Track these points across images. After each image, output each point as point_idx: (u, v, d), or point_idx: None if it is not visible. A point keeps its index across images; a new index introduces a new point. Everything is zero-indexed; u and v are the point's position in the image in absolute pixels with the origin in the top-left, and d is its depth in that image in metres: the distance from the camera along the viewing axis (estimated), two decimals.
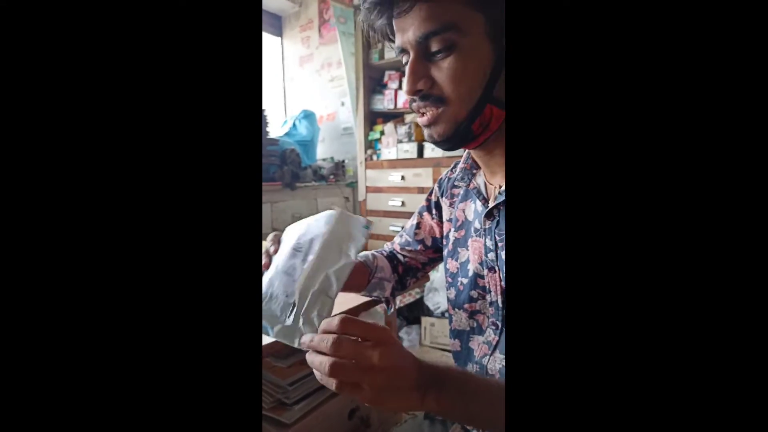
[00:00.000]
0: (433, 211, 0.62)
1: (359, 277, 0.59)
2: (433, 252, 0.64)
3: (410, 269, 0.66)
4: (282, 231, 0.49)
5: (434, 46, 0.39)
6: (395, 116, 2.01)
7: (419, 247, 0.64)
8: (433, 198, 0.62)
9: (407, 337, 1.69)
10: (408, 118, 1.94)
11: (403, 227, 0.68)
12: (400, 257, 0.66)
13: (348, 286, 0.56)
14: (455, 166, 0.58)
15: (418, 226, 0.64)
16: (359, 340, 0.32)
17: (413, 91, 0.41)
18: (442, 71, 0.39)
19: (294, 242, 0.43)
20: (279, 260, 0.43)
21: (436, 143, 0.43)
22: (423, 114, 0.43)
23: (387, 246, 0.69)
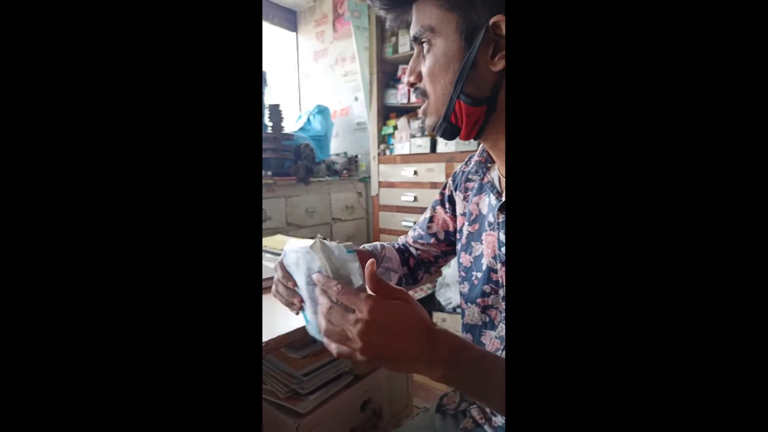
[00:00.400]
0: (447, 205, 0.62)
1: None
2: (445, 245, 0.64)
3: (422, 262, 0.66)
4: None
5: (422, 44, 0.44)
6: (408, 111, 2.00)
7: (432, 240, 0.64)
8: (447, 192, 0.63)
9: None
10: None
11: (415, 222, 0.68)
12: (413, 250, 0.67)
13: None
14: (470, 160, 0.58)
15: (431, 219, 0.65)
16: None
17: (408, 84, 0.47)
18: (424, 68, 0.44)
19: (305, 276, 0.43)
20: (307, 295, 0.44)
21: (431, 132, 0.48)
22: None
23: (401, 239, 0.70)
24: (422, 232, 0.65)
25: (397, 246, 0.67)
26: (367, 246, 0.64)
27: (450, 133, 0.46)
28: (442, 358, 0.33)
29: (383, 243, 0.65)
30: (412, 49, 2.10)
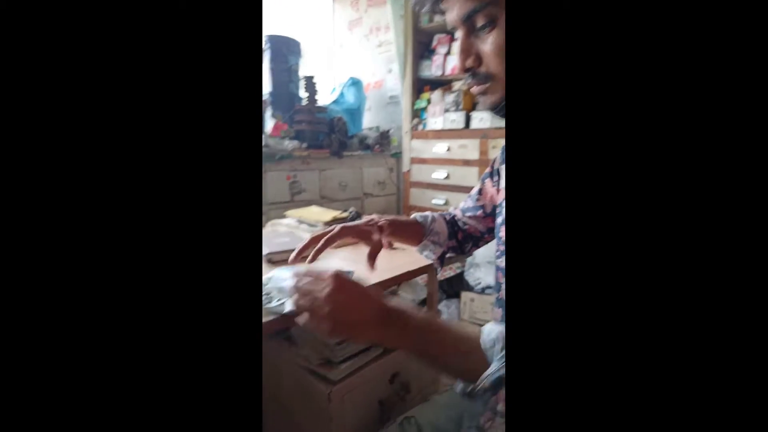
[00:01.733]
0: (494, 178, 0.62)
1: (414, 235, 0.64)
2: (491, 220, 0.65)
3: (470, 236, 0.68)
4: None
5: (479, 22, 0.41)
6: (443, 84, 1.93)
7: (479, 212, 0.65)
8: (496, 165, 0.63)
9: (447, 310, 1.70)
10: (456, 85, 1.86)
11: (446, 201, 0.68)
12: (461, 224, 0.68)
13: (405, 239, 0.64)
14: None
15: (480, 192, 0.66)
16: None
17: (464, 69, 0.44)
18: (488, 46, 0.41)
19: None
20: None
21: (490, 110, 0.46)
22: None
23: (451, 209, 0.71)
24: (471, 204, 0.66)
25: (447, 218, 0.68)
26: (417, 216, 0.66)
27: None
28: (394, 317, 0.39)
29: (434, 215, 0.67)
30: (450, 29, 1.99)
